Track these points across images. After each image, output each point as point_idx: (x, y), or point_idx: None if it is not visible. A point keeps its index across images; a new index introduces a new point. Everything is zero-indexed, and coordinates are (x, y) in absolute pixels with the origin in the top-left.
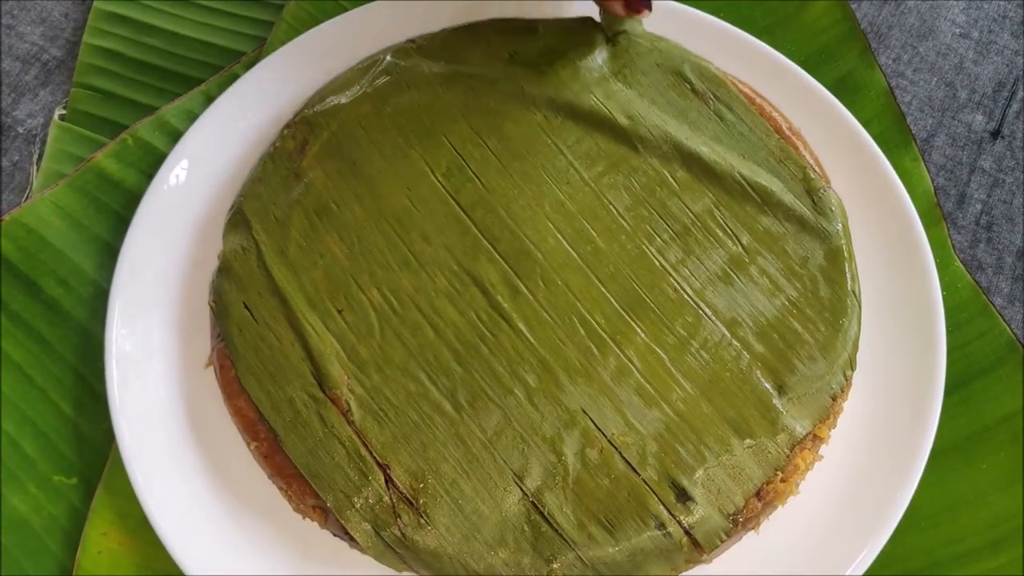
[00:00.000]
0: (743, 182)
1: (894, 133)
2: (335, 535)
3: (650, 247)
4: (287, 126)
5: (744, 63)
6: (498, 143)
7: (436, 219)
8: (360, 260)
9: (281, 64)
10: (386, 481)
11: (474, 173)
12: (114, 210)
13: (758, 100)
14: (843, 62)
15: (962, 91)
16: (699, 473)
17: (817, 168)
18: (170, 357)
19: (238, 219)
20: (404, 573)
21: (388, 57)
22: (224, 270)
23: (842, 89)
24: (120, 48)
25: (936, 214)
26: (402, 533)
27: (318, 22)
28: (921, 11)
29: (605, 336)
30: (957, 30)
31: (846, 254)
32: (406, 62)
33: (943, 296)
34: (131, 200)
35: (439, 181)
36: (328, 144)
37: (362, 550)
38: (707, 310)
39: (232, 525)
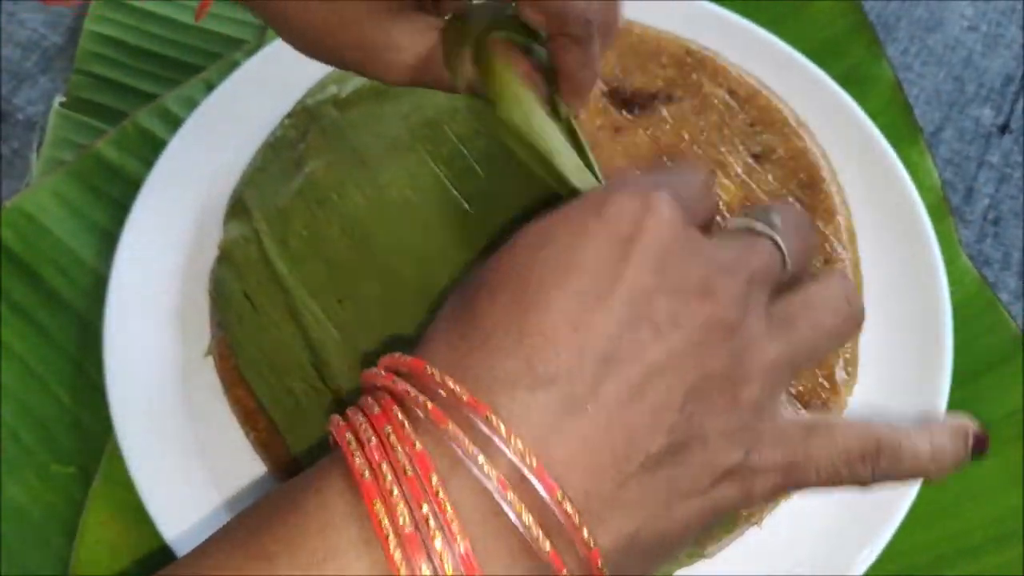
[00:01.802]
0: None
1: (901, 126)
2: None
3: None
4: (288, 115)
5: (750, 54)
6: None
7: (438, 209)
8: (361, 250)
9: (283, 52)
10: None
11: (475, 163)
12: (114, 198)
13: (763, 91)
14: (850, 54)
15: (970, 85)
16: None
17: (824, 160)
18: (169, 346)
19: (238, 208)
20: None
21: None
22: (224, 259)
23: (849, 82)
24: (121, 35)
25: (943, 208)
26: None
27: None
28: (929, 4)
29: None
30: (965, 23)
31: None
32: None
33: (949, 291)
34: (131, 188)
35: (440, 171)
36: (329, 133)
37: None
38: None
39: (230, 515)
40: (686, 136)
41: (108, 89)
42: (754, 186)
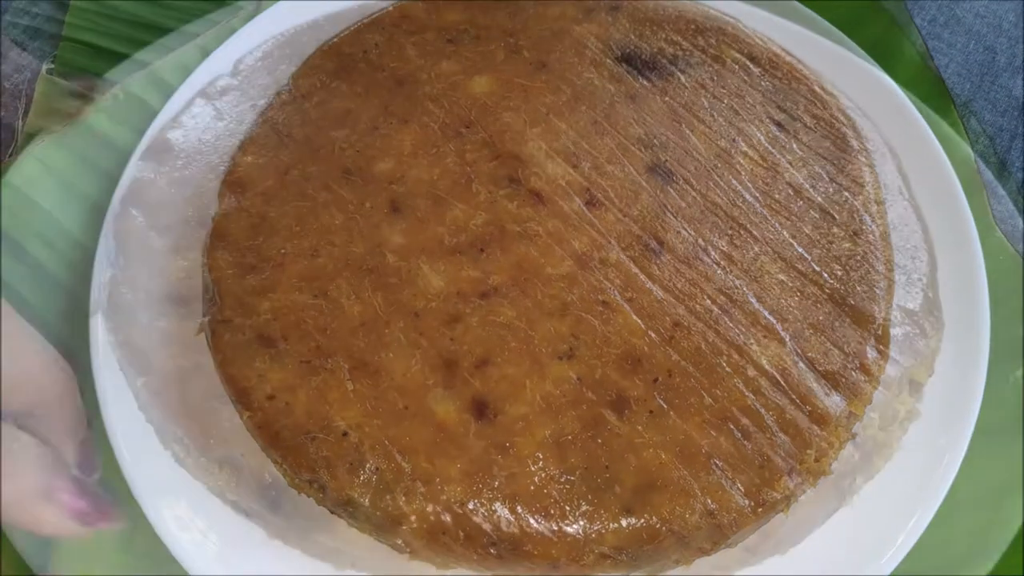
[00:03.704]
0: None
1: (931, 98)
2: (332, 511)
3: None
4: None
5: (775, 22)
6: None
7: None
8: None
9: (280, 18)
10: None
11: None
12: (104, 168)
13: (787, 58)
14: (877, 23)
15: (1002, 55)
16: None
17: (851, 130)
18: (160, 323)
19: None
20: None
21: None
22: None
23: (876, 52)
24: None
25: (976, 182)
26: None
27: None
28: None
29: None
30: None
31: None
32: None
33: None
34: (122, 158)
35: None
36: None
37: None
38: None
39: (220, 499)
40: (705, 104)
41: (98, 56)
42: (778, 155)
